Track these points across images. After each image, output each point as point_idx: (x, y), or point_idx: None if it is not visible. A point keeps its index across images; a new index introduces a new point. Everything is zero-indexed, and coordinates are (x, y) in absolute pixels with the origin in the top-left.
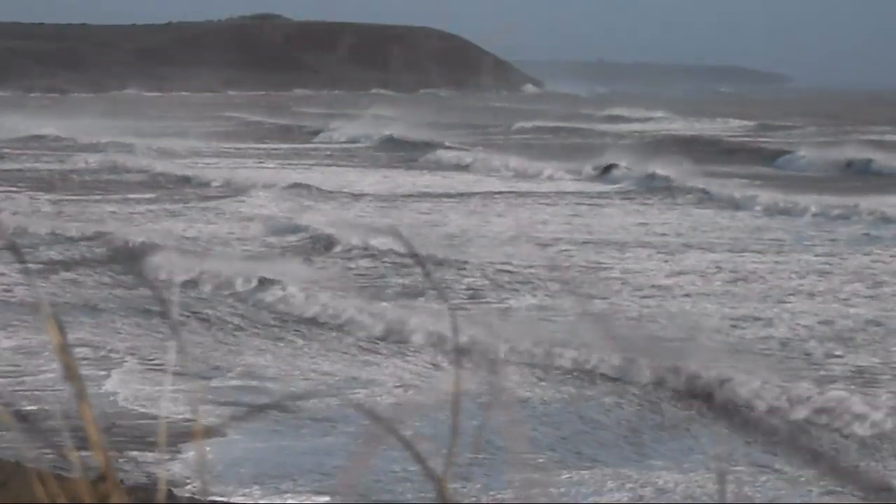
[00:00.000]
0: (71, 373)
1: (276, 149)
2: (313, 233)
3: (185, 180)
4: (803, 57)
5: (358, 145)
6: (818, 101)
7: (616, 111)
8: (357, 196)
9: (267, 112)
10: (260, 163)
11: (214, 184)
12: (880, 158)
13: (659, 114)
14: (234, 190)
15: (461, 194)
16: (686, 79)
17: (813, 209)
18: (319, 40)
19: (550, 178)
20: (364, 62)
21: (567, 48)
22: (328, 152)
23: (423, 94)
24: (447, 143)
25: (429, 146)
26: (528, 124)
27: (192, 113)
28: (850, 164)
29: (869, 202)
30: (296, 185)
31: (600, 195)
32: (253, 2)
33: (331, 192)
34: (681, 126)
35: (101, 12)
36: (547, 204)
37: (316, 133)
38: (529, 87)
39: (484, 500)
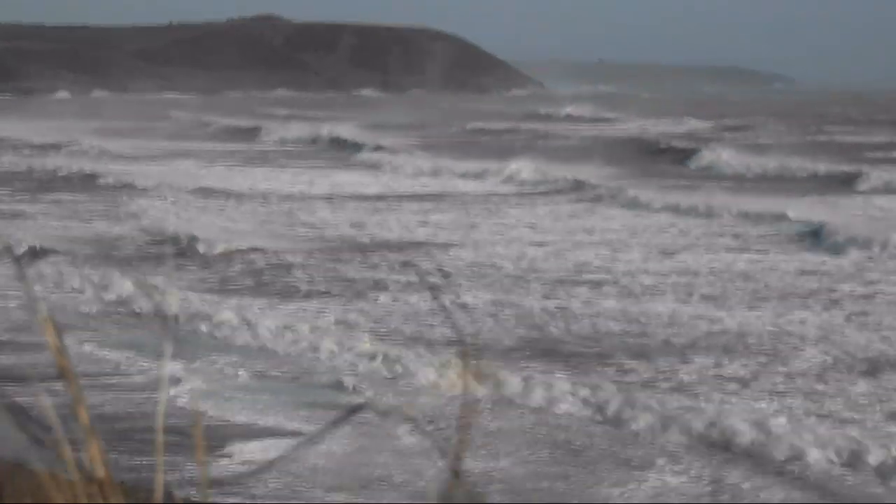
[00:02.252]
0: (67, 374)
1: (211, 149)
2: (177, 236)
3: (92, 178)
4: (810, 58)
5: (293, 147)
6: (802, 101)
7: (575, 112)
8: (253, 197)
9: (228, 113)
10: (187, 163)
11: (123, 185)
12: (791, 163)
13: (613, 114)
14: (138, 191)
15: (359, 196)
16: (681, 79)
17: (671, 205)
18: (320, 41)
19: (456, 178)
20: (364, 63)
21: (570, 48)
22: (262, 152)
23: (406, 95)
24: (381, 144)
25: (363, 147)
26: (479, 125)
27: (155, 113)
28: (756, 167)
29: (738, 202)
30: (199, 188)
31: (488, 194)
32: (253, 3)
33: (235, 193)
34: (629, 126)
35: (102, 13)
36: (428, 204)
37: (257, 134)
38: (517, 89)
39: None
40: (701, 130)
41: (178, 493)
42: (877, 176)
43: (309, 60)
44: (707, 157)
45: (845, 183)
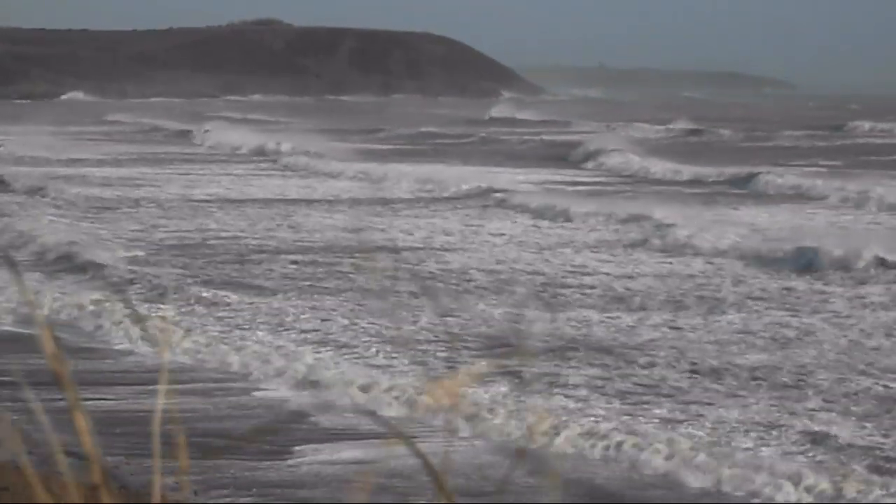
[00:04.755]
0: (63, 382)
1: (124, 153)
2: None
3: None
4: (813, 62)
5: (219, 152)
6: (782, 105)
7: (529, 117)
8: (123, 201)
9: (181, 117)
10: (95, 167)
11: (14, 186)
12: (705, 167)
13: (566, 119)
14: (26, 191)
15: (244, 199)
16: (678, 83)
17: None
18: (320, 46)
19: (357, 181)
20: (365, 67)
21: (574, 52)
22: (183, 155)
23: (394, 99)
24: (309, 150)
25: (286, 152)
26: (431, 129)
27: (107, 116)
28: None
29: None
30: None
31: (368, 198)
32: (254, 8)
33: (126, 198)
34: (573, 130)
35: (103, 17)
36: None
37: (189, 138)
38: (510, 93)
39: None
40: (643, 134)
41: (175, 495)
42: (770, 180)
43: (309, 64)
44: (614, 160)
45: (736, 185)
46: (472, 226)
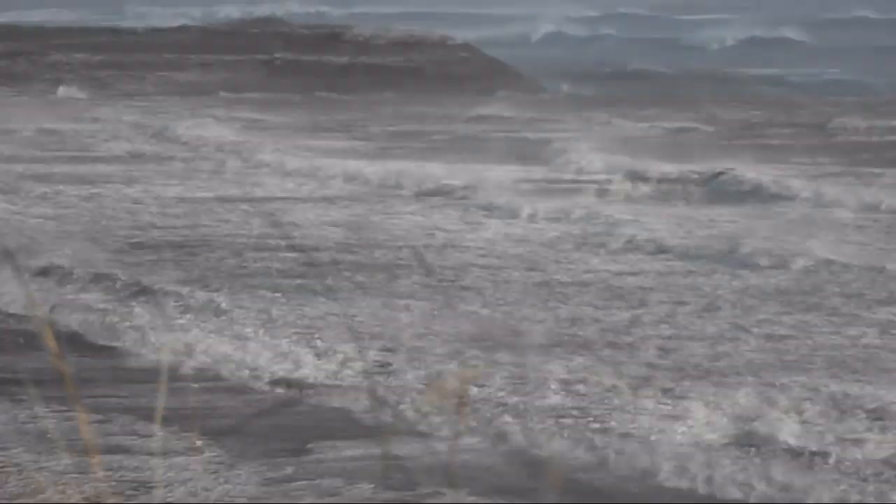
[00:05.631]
0: (66, 378)
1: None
2: None
3: None
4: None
5: (193, 151)
6: (775, 104)
7: (518, 114)
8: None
9: (168, 115)
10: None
11: None
12: (653, 167)
13: (551, 116)
14: None
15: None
16: (676, 83)
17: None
18: (322, 45)
19: (298, 177)
20: (366, 67)
21: (573, 51)
22: (148, 155)
23: (389, 98)
24: (280, 148)
25: (247, 150)
26: (408, 127)
27: (92, 113)
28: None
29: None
30: None
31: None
32: (254, 7)
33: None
34: (559, 128)
35: (102, 17)
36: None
37: (162, 132)
38: (507, 91)
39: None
40: (628, 132)
41: (176, 494)
42: (732, 179)
43: (310, 64)
44: (583, 158)
45: (699, 184)
46: (429, 224)
